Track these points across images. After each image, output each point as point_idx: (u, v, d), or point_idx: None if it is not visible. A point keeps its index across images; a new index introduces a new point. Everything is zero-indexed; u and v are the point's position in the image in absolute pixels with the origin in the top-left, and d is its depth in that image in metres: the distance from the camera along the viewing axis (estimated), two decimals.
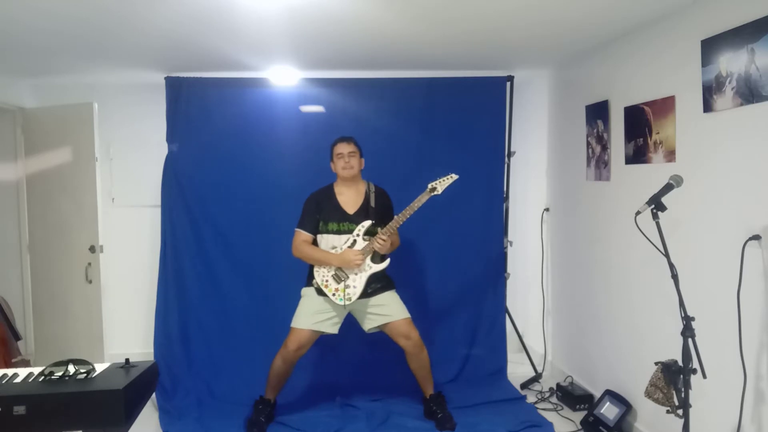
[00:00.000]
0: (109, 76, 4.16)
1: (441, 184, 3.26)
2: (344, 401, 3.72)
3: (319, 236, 3.37)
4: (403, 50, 3.54)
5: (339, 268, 3.29)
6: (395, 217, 3.27)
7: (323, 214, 3.36)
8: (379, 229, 3.30)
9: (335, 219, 3.34)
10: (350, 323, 3.47)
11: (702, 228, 2.65)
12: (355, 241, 3.29)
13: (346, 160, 3.34)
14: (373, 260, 3.30)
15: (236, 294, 4.12)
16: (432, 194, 3.25)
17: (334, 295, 3.27)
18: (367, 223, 3.31)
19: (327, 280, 3.30)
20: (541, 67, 4.21)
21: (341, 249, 3.29)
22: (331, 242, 3.33)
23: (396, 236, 3.40)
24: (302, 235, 3.36)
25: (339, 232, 3.33)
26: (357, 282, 3.28)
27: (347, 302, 3.27)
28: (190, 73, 4.01)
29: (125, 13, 2.69)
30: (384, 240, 3.22)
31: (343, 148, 3.36)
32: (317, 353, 3.92)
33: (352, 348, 3.94)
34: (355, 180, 3.41)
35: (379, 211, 3.39)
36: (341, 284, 3.27)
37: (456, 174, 3.28)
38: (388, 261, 3.34)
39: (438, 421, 3.38)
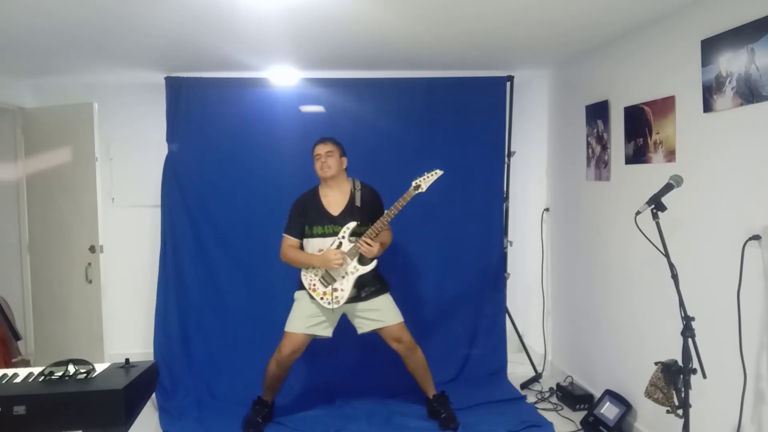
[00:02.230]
0: (109, 76, 4.16)
1: (425, 181, 3.18)
2: (345, 402, 3.72)
3: (305, 240, 3.35)
4: (403, 50, 3.54)
5: (326, 272, 3.26)
6: (380, 218, 3.19)
7: (309, 218, 3.33)
8: (364, 229, 3.23)
9: (320, 222, 3.31)
10: (349, 324, 3.47)
11: (702, 228, 2.65)
12: (340, 243, 3.25)
13: (323, 160, 3.30)
14: (361, 262, 3.26)
15: (236, 294, 4.12)
16: (417, 192, 3.17)
17: (322, 299, 3.26)
18: (353, 224, 3.26)
19: (314, 284, 3.28)
20: (541, 67, 4.20)
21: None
22: (317, 246, 3.30)
23: (388, 234, 3.37)
24: (289, 240, 3.35)
25: (324, 235, 3.30)
26: (344, 285, 3.25)
27: (335, 306, 3.25)
28: (190, 73, 4.01)
29: (125, 13, 2.69)
30: (370, 244, 3.16)
31: (320, 149, 3.32)
32: (317, 354, 3.91)
33: (353, 349, 3.93)
34: (338, 180, 3.36)
35: (366, 210, 3.34)
36: (328, 288, 3.25)
37: (441, 170, 3.18)
38: (375, 263, 3.29)
39: (441, 421, 3.38)
